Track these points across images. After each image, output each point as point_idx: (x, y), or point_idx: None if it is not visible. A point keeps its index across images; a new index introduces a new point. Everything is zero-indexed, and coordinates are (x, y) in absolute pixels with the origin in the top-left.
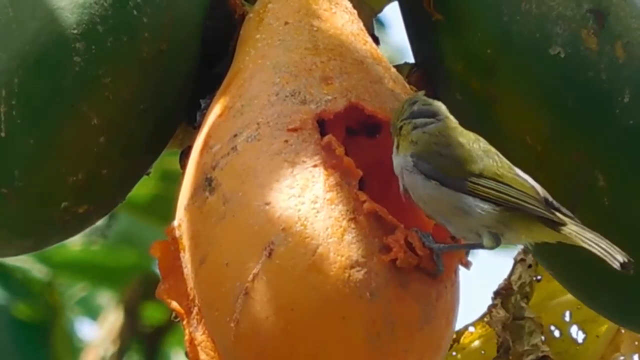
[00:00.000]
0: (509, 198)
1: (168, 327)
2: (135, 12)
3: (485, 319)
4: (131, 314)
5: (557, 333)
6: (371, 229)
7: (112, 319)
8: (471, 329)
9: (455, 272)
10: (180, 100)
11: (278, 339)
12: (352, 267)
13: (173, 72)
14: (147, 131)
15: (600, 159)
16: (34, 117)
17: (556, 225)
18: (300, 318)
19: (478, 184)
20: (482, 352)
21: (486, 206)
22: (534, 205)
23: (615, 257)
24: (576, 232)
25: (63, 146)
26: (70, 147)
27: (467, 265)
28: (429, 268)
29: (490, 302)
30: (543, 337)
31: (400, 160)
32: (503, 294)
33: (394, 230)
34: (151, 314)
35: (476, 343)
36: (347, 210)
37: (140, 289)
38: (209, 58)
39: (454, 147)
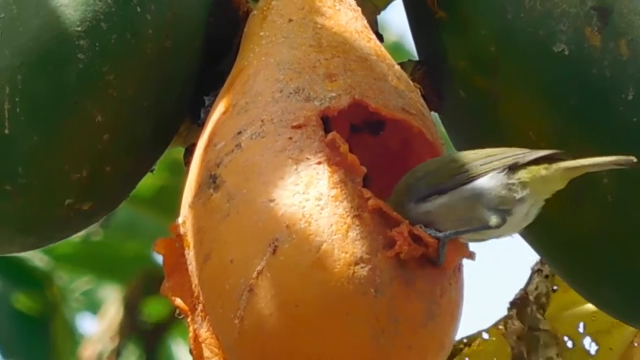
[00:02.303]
0: (504, 159)
1: (169, 323)
2: (138, 9)
3: (500, 327)
4: (131, 310)
5: (569, 344)
6: (375, 226)
7: (112, 314)
8: (485, 335)
9: (460, 269)
10: (184, 98)
11: (282, 335)
12: (356, 263)
13: (177, 69)
14: (150, 128)
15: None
16: (37, 114)
17: (555, 159)
18: (305, 315)
19: (470, 170)
20: (494, 359)
21: (490, 177)
22: (526, 152)
23: (622, 159)
24: (573, 162)
25: (67, 143)
26: (74, 144)
27: (471, 257)
28: (432, 257)
29: (502, 306)
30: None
31: (405, 213)
32: (519, 305)
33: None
34: (152, 310)
35: (489, 349)
36: (352, 207)
37: (141, 284)
38: (213, 55)
39: (424, 168)
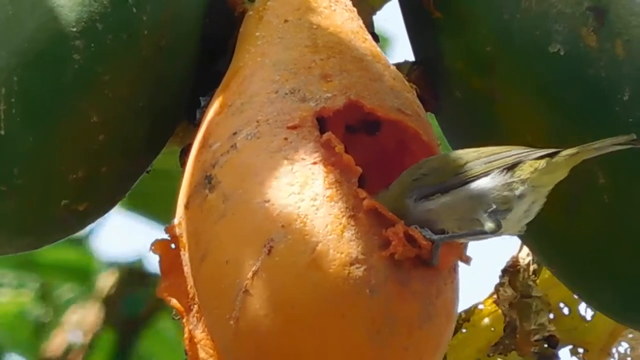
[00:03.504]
0: (506, 158)
1: (147, 317)
2: (134, 10)
3: (493, 297)
4: (109, 303)
5: (566, 310)
6: (371, 226)
7: (88, 305)
8: (480, 306)
9: (455, 269)
10: (180, 98)
11: (277, 336)
12: (351, 264)
13: (172, 69)
14: (146, 129)
15: (600, 157)
16: (33, 115)
17: (557, 153)
18: (300, 315)
19: (472, 169)
20: (492, 329)
21: (492, 177)
22: (529, 151)
23: (622, 138)
24: (573, 149)
25: (63, 144)
26: (69, 144)
27: (466, 261)
28: (426, 258)
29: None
30: (551, 315)
31: (406, 210)
32: (511, 272)
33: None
34: (131, 303)
35: (486, 320)
36: (347, 208)
37: (120, 279)
38: (209, 56)
39: (427, 165)
